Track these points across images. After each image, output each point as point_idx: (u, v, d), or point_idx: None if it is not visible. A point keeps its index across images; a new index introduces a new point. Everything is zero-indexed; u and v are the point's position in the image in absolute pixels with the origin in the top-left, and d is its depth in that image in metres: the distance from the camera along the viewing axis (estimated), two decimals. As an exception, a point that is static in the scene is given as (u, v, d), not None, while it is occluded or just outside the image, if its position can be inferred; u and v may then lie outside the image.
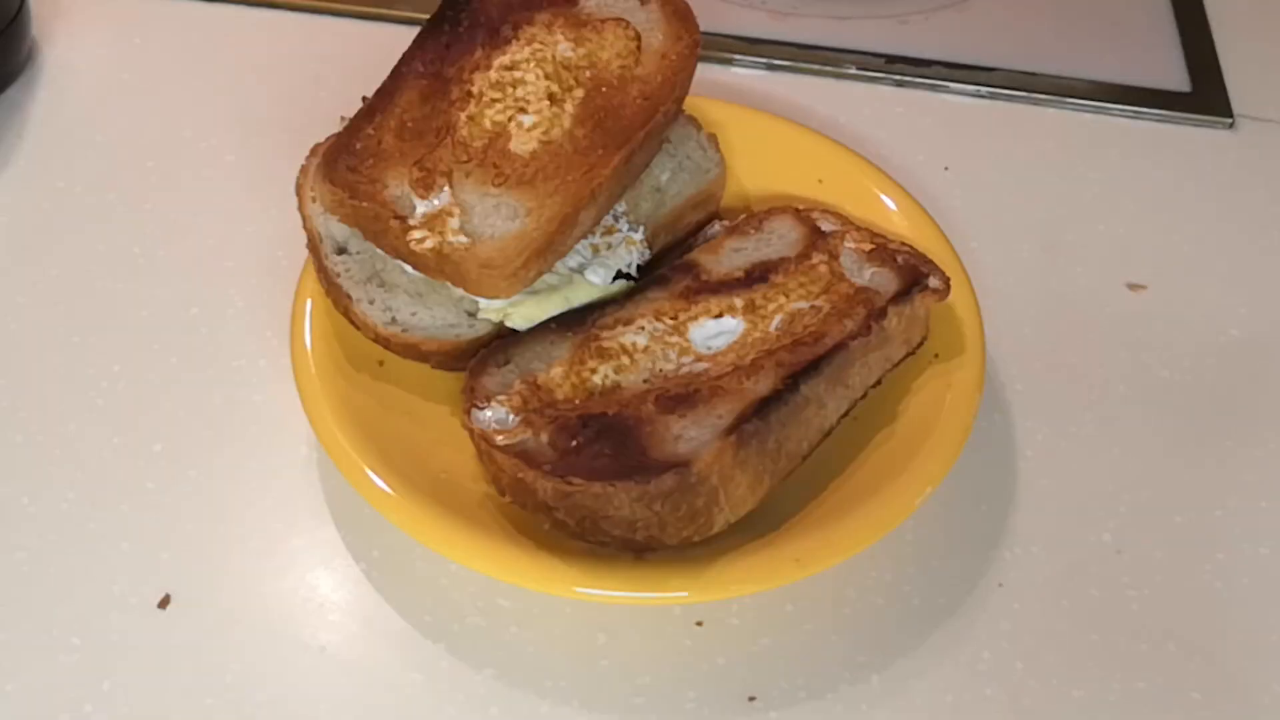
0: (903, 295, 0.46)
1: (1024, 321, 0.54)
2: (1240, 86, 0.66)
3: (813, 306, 0.47)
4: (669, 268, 0.50)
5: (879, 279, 0.48)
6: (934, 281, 0.47)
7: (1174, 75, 0.67)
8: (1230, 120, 0.64)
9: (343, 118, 0.49)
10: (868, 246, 0.49)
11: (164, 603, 0.45)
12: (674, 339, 0.46)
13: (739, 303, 0.47)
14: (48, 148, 0.61)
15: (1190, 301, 0.56)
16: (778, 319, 0.47)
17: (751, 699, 0.43)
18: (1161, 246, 0.58)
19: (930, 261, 0.48)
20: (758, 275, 0.49)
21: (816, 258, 0.49)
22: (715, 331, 0.47)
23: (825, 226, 0.50)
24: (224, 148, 0.61)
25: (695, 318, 0.47)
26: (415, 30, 0.50)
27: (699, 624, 0.45)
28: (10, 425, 0.50)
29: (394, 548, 0.46)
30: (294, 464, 0.49)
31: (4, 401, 0.51)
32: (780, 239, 0.50)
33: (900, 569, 0.46)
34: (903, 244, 0.49)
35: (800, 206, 0.52)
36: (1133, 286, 0.56)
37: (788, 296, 0.47)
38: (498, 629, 0.45)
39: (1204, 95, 0.66)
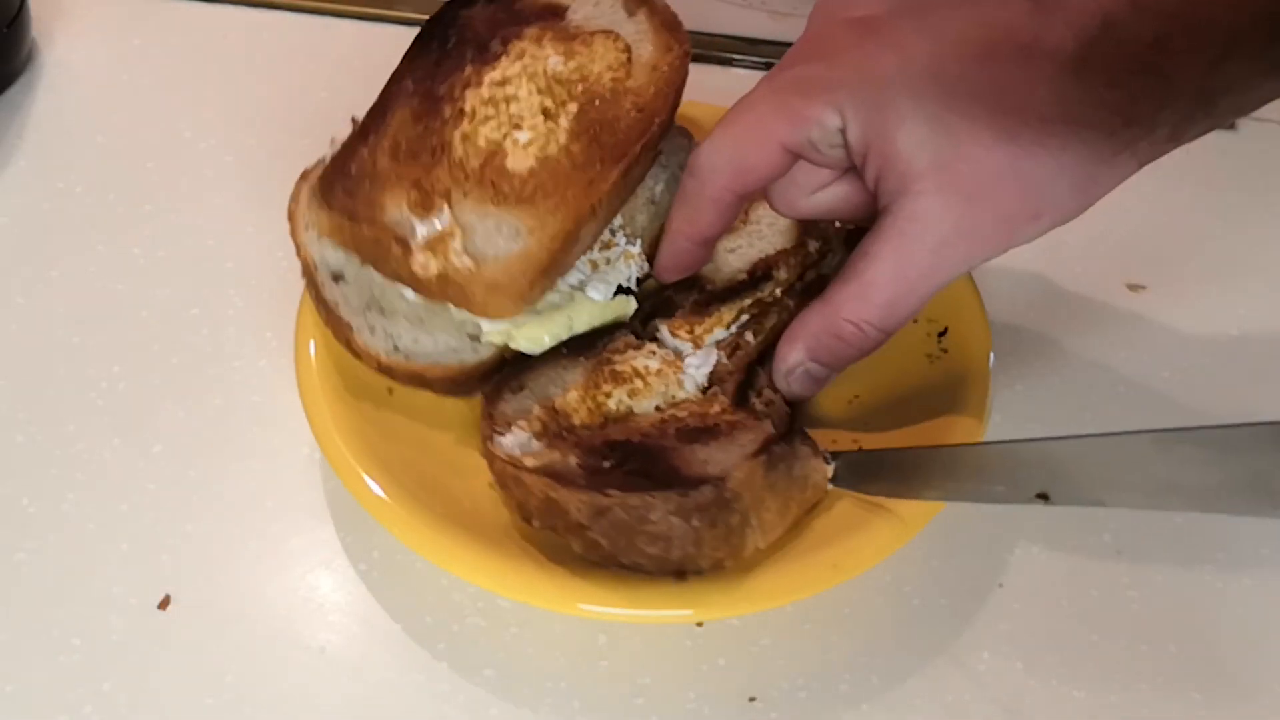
0: None
1: (1024, 322, 0.54)
2: (1240, 86, 0.66)
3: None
4: (672, 289, 0.49)
5: None
6: None
7: (1174, 75, 0.67)
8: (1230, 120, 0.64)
9: (334, 140, 0.48)
10: (850, 224, 0.49)
11: (164, 603, 0.45)
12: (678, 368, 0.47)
13: (747, 303, 0.48)
14: (48, 148, 0.61)
15: (1190, 301, 0.56)
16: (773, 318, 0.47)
17: (751, 699, 0.43)
18: (1161, 246, 0.58)
19: None
20: (761, 274, 0.49)
21: (811, 244, 0.49)
22: (699, 363, 0.47)
23: None
24: (224, 148, 0.61)
25: (710, 330, 0.47)
26: (415, 31, 0.50)
27: (699, 624, 0.45)
28: (10, 425, 0.50)
29: (394, 548, 0.46)
30: (294, 464, 0.49)
31: (4, 401, 0.51)
32: (770, 227, 0.50)
33: (900, 569, 0.46)
34: None
35: None
36: (1133, 286, 0.56)
37: (791, 293, 0.48)
38: (498, 629, 0.45)
39: (1204, 95, 0.65)
